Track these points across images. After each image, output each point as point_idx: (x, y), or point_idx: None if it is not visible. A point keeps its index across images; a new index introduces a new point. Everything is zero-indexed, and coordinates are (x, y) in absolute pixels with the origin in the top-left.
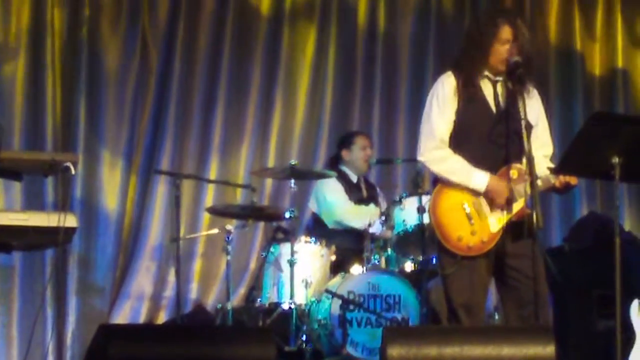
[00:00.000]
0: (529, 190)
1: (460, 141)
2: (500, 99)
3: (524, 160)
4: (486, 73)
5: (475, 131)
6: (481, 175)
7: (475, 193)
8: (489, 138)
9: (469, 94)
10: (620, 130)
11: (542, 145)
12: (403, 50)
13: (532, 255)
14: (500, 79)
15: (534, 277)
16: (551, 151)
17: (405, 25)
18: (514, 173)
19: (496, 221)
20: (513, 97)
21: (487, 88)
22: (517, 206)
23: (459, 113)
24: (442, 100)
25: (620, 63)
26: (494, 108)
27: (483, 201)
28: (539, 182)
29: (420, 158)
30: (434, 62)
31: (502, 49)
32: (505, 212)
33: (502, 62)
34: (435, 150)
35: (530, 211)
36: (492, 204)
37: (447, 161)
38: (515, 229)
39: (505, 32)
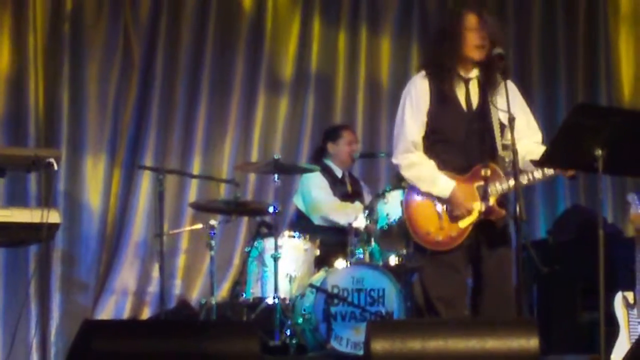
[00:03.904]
0: (501, 190)
1: (433, 142)
2: (473, 98)
3: (500, 158)
4: (459, 72)
5: (447, 131)
6: (445, 184)
7: None
8: (461, 138)
9: (441, 94)
10: (603, 122)
11: (532, 134)
12: (386, 44)
13: (500, 255)
14: (473, 76)
15: (502, 276)
16: (540, 136)
17: (389, 18)
18: (486, 172)
19: (466, 218)
20: (486, 95)
21: (459, 88)
22: (487, 204)
23: (431, 114)
24: (415, 102)
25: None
26: (465, 107)
27: None
28: (522, 180)
29: (394, 160)
30: (417, 56)
31: (471, 35)
32: (475, 210)
33: (473, 49)
34: (407, 154)
35: (503, 211)
36: (453, 212)
37: (415, 167)
38: (488, 228)
39: (471, 19)
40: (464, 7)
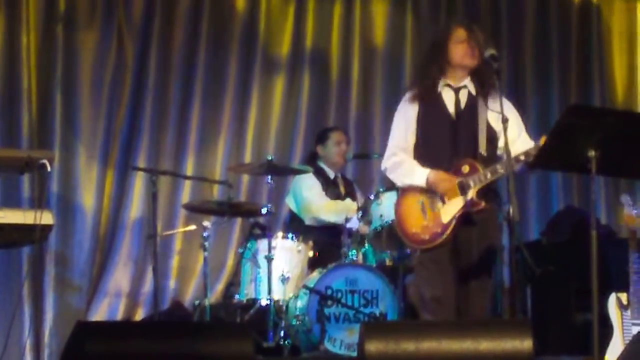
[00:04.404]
0: (478, 181)
1: (423, 149)
2: (462, 105)
3: (481, 157)
4: (448, 82)
5: (436, 138)
6: (421, 172)
7: (430, 190)
8: (448, 144)
9: (429, 104)
10: (596, 123)
11: (522, 143)
12: (379, 45)
13: (481, 249)
14: (464, 84)
15: (483, 269)
16: (532, 145)
17: (382, 20)
18: (465, 168)
19: (447, 212)
20: (476, 102)
21: (448, 96)
22: (467, 197)
23: (420, 122)
24: (403, 114)
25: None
26: (454, 115)
27: (437, 197)
28: (498, 169)
29: (382, 168)
30: (410, 57)
31: (458, 47)
32: (455, 204)
33: (461, 59)
34: (391, 157)
35: (483, 202)
36: (441, 195)
37: (397, 166)
38: (470, 222)
39: (459, 33)
40: (453, 20)
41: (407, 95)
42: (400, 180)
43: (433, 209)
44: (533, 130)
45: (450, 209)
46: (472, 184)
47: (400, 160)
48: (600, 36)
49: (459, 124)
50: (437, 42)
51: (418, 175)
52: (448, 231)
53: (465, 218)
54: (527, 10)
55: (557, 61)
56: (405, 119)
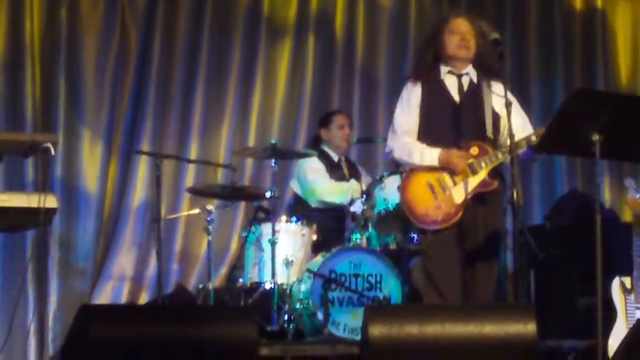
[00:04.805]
0: (489, 162)
1: (427, 134)
2: (465, 90)
3: (488, 139)
4: (449, 69)
5: (440, 123)
6: (432, 151)
7: (438, 170)
8: (453, 127)
9: (431, 89)
10: (600, 107)
11: (522, 129)
12: (383, 30)
13: (489, 230)
14: (466, 72)
15: (490, 252)
16: (532, 132)
17: (386, 4)
18: (474, 150)
19: (460, 193)
20: (480, 88)
21: (450, 82)
22: (479, 177)
23: (423, 108)
24: (406, 100)
25: (599, 3)
26: (458, 99)
27: (447, 176)
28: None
29: (386, 149)
30: (413, 41)
31: (452, 38)
32: (468, 184)
33: (455, 51)
34: (397, 138)
35: (495, 182)
36: (454, 174)
37: (404, 146)
38: (482, 203)
39: (455, 24)
40: (451, 11)
41: (410, 81)
42: (409, 160)
43: (444, 190)
44: (536, 118)
45: (462, 190)
46: (483, 164)
47: (407, 142)
48: (604, 20)
49: (462, 109)
50: (434, 31)
51: (428, 154)
52: (461, 212)
53: (476, 199)
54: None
55: (561, 45)
56: (409, 104)
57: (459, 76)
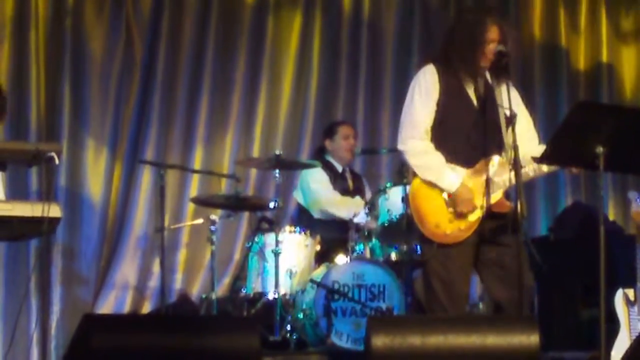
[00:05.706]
0: (508, 182)
1: (441, 133)
2: (481, 93)
3: (506, 152)
4: (469, 70)
5: (456, 123)
6: (452, 180)
7: None
8: (470, 130)
9: (450, 87)
10: (604, 119)
11: (529, 139)
12: (388, 40)
13: (516, 246)
14: (481, 74)
15: (518, 269)
16: (537, 142)
17: (390, 14)
18: (493, 165)
19: (475, 210)
20: (493, 90)
21: (468, 83)
22: (496, 197)
23: (440, 105)
24: (425, 91)
25: (605, 57)
26: (475, 101)
27: None
28: (529, 172)
29: (400, 147)
30: (418, 52)
31: (490, 48)
32: (484, 202)
33: (487, 61)
34: (416, 141)
35: (510, 204)
36: (456, 209)
37: (425, 156)
38: (497, 221)
39: (493, 32)
40: (487, 15)
41: (428, 73)
42: (422, 171)
43: (453, 206)
44: (541, 131)
45: (478, 207)
46: (500, 184)
47: (426, 151)
48: (608, 31)
49: (479, 111)
50: (467, 39)
51: (448, 181)
52: (472, 230)
53: (491, 217)
54: (535, 6)
55: (566, 57)
56: (428, 95)
57: (475, 77)
